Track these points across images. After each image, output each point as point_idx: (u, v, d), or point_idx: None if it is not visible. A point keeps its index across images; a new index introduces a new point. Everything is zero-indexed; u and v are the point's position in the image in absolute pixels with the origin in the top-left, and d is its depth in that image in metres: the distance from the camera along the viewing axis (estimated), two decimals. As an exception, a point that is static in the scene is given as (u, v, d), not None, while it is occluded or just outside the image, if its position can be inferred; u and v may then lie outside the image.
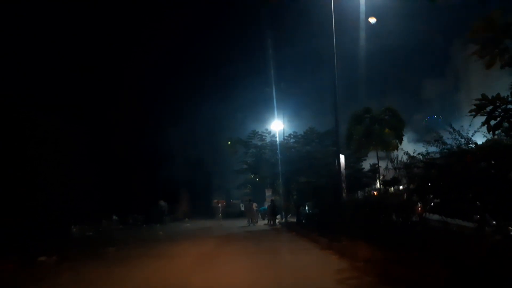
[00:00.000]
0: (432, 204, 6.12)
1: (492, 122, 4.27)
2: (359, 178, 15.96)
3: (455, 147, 5.56)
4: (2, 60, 16.44)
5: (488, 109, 4.27)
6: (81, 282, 6.71)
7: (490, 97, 4.25)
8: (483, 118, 4.36)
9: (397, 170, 7.37)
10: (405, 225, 6.67)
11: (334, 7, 11.51)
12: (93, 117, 23.12)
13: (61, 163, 17.26)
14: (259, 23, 38.80)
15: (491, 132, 4.38)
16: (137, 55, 29.80)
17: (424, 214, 6.35)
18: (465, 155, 5.19)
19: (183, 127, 34.72)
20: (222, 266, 7.84)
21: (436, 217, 5.98)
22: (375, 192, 12.23)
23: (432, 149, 6.23)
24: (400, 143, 12.18)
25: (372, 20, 13.03)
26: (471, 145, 5.40)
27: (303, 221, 17.81)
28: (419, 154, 6.32)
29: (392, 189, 8.40)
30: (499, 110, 4.23)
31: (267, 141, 21.84)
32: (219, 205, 30.35)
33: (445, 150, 5.74)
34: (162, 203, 27.47)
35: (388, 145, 12.39)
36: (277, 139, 22.87)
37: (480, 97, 4.48)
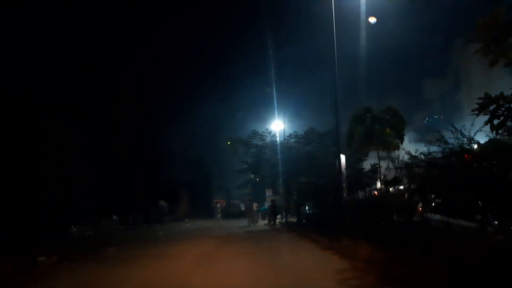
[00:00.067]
0: (433, 204, 6.09)
1: (496, 121, 4.24)
2: (360, 178, 15.91)
3: (457, 147, 5.53)
4: (2, 60, 16.42)
5: (491, 108, 4.23)
6: (80, 282, 6.68)
7: (493, 96, 4.21)
8: (486, 117, 4.33)
9: (398, 170, 7.34)
10: (406, 225, 6.64)
11: (335, 7, 11.49)
12: (93, 117, 23.09)
13: (61, 163, 17.24)
14: (259, 23, 38.79)
15: (494, 131, 4.35)
16: (137, 55, 29.78)
17: (425, 214, 6.32)
18: (466, 155, 5.16)
19: (183, 127, 34.71)
20: (222, 266, 7.81)
21: (437, 217, 5.95)
22: (375, 192, 12.21)
23: (434, 148, 6.20)
24: (401, 143, 12.13)
25: (372, 20, 13.02)
26: (474, 145, 5.37)
27: (304, 221, 17.79)
28: (421, 153, 6.29)
29: (392, 189, 8.37)
30: (503, 109, 4.20)
31: (268, 141, 21.83)
32: (218, 205, 30.36)
33: (447, 150, 5.71)
34: (162, 203, 27.44)
35: (389, 145, 12.34)
36: (278, 139, 22.86)
37: (482, 95, 4.44)
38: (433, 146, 6.16)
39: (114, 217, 23.04)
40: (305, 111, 32.51)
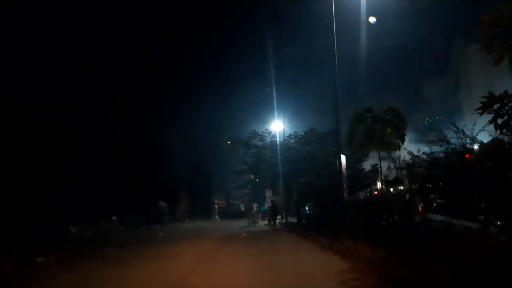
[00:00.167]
0: (435, 204, 6.05)
1: (500, 121, 4.19)
2: (360, 179, 15.86)
3: (459, 147, 5.49)
4: (2, 60, 16.41)
5: (495, 106, 4.18)
6: (80, 283, 6.64)
7: (497, 94, 4.16)
8: (488, 117, 4.28)
9: (400, 170, 7.30)
10: (408, 226, 6.60)
11: (335, 7, 11.46)
12: (93, 117, 23.08)
13: (61, 163, 17.23)
14: (259, 23, 38.79)
15: (498, 131, 4.30)
16: (137, 55, 29.80)
17: (427, 215, 6.28)
18: (468, 154, 5.13)
19: (183, 127, 34.69)
20: (222, 267, 7.78)
21: (439, 217, 5.91)
22: (375, 192, 12.17)
23: (435, 148, 6.15)
24: (402, 143, 12.08)
25: (372, 19, 12.98)
26: (477, 144, 5.33)
27: (304, 222, 17.75)
28: (423, 153, 6.24)
29: (392, 189, 8.33)
30: (507, 107, 4.14)
31: (267, 141, 21.77)
32: (216, 205, 30.36)
33: (449, 150, 5.66)
34: (161, 203, 27.42)
35: (390, 145, 12.30)
36: (277, 139, 22.82)
37: (483, 95, 4.40)
38: (435, 146, 6.12)
39: (114, 217, 23.02)
40: (305, 111, 32.44)
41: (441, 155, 5.90)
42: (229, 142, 23.55)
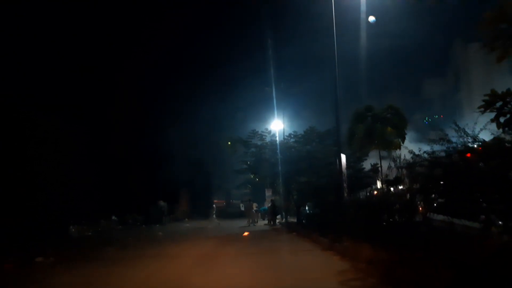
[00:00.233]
0: (436, 204, 6.02)
1: (502, 119, 4.15)
2: (360, 178, 15.85)
3: (460, 146, 5.45)
4: (2, 60, 16.38)
5: (497, 105, 4.14)
6: (79, 283, 6.62)
7: (500, 92, 4.13)
8: (490, 115, 4.25)
9: (400, 170, 7.27)
10: (408, 226, 6.57)
11: (335, 6, 11.42)
12: (93, 117, 23.06)
13: (61, 163, 17.22)
14: (259, 23, 38.70)
15: (500, 129, 4.26)
16: (137, 55, 29.74)
17: (427, 214, 6.25)
18: (469, 153, 5.09)
19: (183, 127, 34.64)
20: (222, 267, 7.76)
21: (440, 217, 5.88)
22: (375, 192, 12.13)
23: (436, 147, 6.11)
24: (403, 142, 12.05)
25: (371, 18, 12.97)
26: (474, 144, 5.29)
27: (304, 221, 17.73)
28: (424, 152, 6.21)
29: (392, 189, 8.30)
30: (510, 106, 4.11)
31: (267, 140, 21.78)
32: (214, 205, 30.35)
33: (451, 149, 5.63)
34: (161, 203, 27.40)
35: (391, 144, 12.25)
36: (277, 138, 22.81)
37: (484, 94, 4.37)
38: (435, 145, 6.08)
39: (113, 217, 22.99)
40: (305, 110, 32.44)
41: (442, 154, 5.86)
42: (229, 143, 23.55)
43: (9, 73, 16.48)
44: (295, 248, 10.55)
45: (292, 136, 21.23)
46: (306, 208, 19.39)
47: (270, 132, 22.72)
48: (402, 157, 7.25)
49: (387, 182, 8.46)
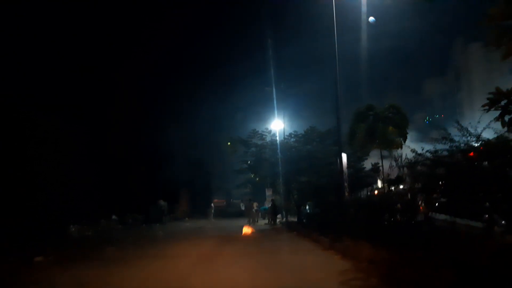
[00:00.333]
0: (438, 203, 5.99)
1: (507, 117, 4.09)
2: (361, 178, 15.81)
3: (463, 145, 5.41)
4: (2, 60, 16.35)
5: (502, 103, 4.08)
6: (79, 283, 6.59)
7: (504, 90, 4.07)
8: (494, 114, 4.20)
9: (402, 169, 7.24)
10: (410, 225, 6.54)
11: (336, 7, 11.39)
12: (93, 117, 23.02)
13: (61, 163, 17.18)
14: (259, 23, 38.71)
15: (505, 128, 4.21)
16: (137, 55, 29.70)
17: (429, 214, 6.22)
18: (472, 153, 5.05)
19: (183, 127, 34.62)
20: (222, 267, 7.73)
21: (442, 216, 5.85)
22: (376, 191, 12.10)
23: (438, 147, 6.08)
24: (404, 141, 11.98)
25: (371, 18, 12.94)
26: (482, 142, 5.24)
27: (304, 221, 17.71)
28: (426, 151, 6.17)
29: (393, 188, 8.27)
30: None
31: (267, 140, 21.74)
32: (212, 204, 30.29)
33: (454, 148, 5.59)
34: (161, 202, 27.35)
35: (392, 143, 12.19)
36: (278, 138, 22.77)
37: (485, 93, 4.33)
38: (438, 144, 6.04)
39: (113, 216, 22.93)
40: (305, 110, 32.45)
41: (445, 153, 5.82)
42: (229, 143, 23.51)
43: (9, 73, 16.45)
44: (296, 248, 10.52)
45: (292, 135, 21.20)
46: (307, 207, 19.38)
47: (270, 131, 22.68)
48: (404, 156, 7.21)
49: (388, 182, 8.43)
